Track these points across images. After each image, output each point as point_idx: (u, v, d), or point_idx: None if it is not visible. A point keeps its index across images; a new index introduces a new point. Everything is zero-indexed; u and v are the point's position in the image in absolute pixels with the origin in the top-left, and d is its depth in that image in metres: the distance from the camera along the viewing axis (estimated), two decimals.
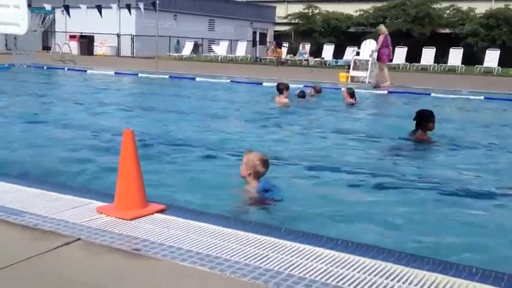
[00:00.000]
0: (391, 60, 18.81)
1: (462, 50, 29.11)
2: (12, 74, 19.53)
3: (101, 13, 23.25)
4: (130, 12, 26.08)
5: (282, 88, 12.24)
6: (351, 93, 12.94)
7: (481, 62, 28.34)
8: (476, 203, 5.26)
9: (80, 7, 24.03)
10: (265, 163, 4.87)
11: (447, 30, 38.59)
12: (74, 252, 3.09)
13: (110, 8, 25.24)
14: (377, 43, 18.86)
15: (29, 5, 20.71)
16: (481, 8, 37.74)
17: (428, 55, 29.24)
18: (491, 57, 27.77)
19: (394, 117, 11.57)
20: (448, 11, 38.98)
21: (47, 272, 2.82)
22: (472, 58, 30.19)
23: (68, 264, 2.92)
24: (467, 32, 35.99)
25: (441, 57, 29.63)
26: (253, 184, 4.86)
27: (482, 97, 15.39)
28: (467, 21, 37.02)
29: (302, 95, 13.11)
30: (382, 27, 18.97)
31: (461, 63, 28.09)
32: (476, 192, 5.58)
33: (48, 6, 22.17)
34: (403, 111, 12.57)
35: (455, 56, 28.60)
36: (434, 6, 38.30)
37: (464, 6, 38.50)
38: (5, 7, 5.84)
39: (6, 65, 21.14)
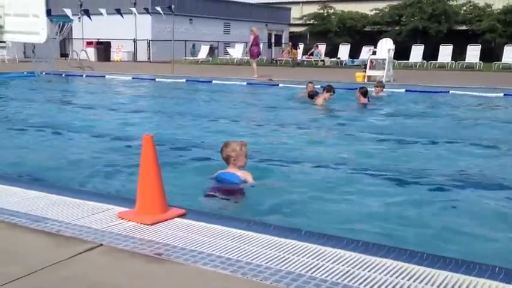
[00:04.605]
0: (259, 56, 22.90)
1: (480, 46, 28.81)
2: (31, 82, 19.76)
3: (122, 15, 23.53)
4: (149, 13, 26.36)
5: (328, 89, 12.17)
6: (364, 93, 12.83)
7: (499, 58, 28.03)
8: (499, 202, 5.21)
9: (97, 13, 24.24)
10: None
11: (464, 27, 38.25)
12: (97, 257, 3.13)
13: (127, 13, 25.45)
14: (249, 42, 22.29)
15: (49, 13, 20.96)
16: (498, 4, 37.36)
17: (445, 52, 29.02)
18: (510, 54, 27.44)
19: (411, 117, 11.48)
20: (464, 8, 38.62)
21: (72, 278, 2.85)
22: (490, 54, 29.87)
23: (92, 270, 2.96)
24: (484, 28, 35.63)
25: (459, 54, 29.37)
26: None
27: (501, 94, 15.24)
28: (485, 17, 36.64)
29: (313, 95, 12.86)
30: (254, 29, 22.65)
31: (479, 60, 27.81)
32: (497, 189, 5.53)
33: (68, 12, 22.35)
34: (417, 110, 12.52)
35: (473, 52, 28.34)
36: (451, 3, 37.95)
37: (481, 2, 38.14)
38: (25, 16, 5.93)
39: (25, 73, 21.40)
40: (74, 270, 2.95)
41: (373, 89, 14.35)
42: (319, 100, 12.00)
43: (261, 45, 23.96)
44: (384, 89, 14.78)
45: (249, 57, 23.17)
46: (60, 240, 3.37)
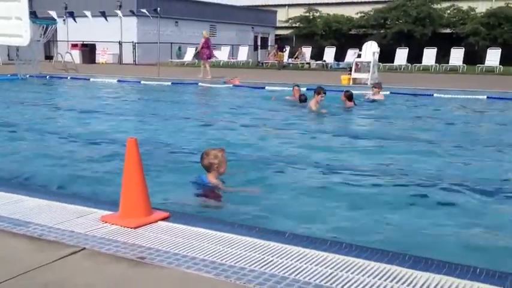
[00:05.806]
0: (210, 58, 23.72)
1: (463, 49, 29.10)
2: (15, 84, 19.59)
3: (106, 18, 23.43)
4: (135, 15, 26.33)
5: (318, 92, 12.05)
6: (349, 96, 12.91)
7: (482, 61, 28.33)
8: (481, 203, 5.25)
9: (82, 15, 24.12)
10: None
11: (448, 30, 38.61)
12: (79, 262, 3.11)
13: (112, 16, 25.35)
14: (200, 45, 23.19)
15: (34, 14, 20.77)
16: (481, 7, 37.81)
17: (429, 55, 29.25)
18: (493, 56, 27.75)
19: (393, 120, 11.55)
20: (448, 11, 39.00)
21: (53, 282, 2.83)
22: (474, 57, 30.17)
23: (74, 274, 2.94)
24: (468, 31, 35.98)
25: (442, 57, 29.63)
26: None
27: (484, 96, 15.39)
28: (468, 20, 37.03)
29: (304, 99, 13.02)
30: (204, 32, 23.54)
31: (463, 63, 28.08)
32: (479, 191, 5.59)
33: (53, 14, 22.19)
34: (402, 113, 12.61)
35: (457, 55, 28.59)
36: (435, 6, 38.28)
37: (464, 5, 38.57)
38: (7, 19, 5.87)
39: (9, 76, 21.22)
40: (56, 275, 2.93)
41: (357, 92, 14.43)
42: (312, 104, 11.99)
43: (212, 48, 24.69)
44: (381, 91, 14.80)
45: (201, 60, 23.66)
46: (42, 244, 3.34)
